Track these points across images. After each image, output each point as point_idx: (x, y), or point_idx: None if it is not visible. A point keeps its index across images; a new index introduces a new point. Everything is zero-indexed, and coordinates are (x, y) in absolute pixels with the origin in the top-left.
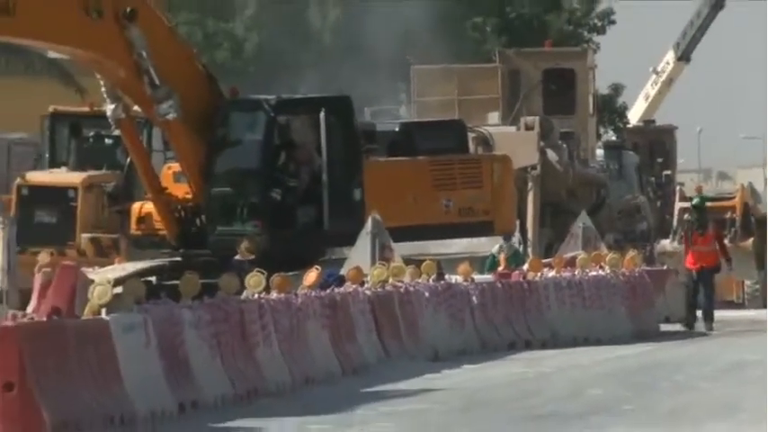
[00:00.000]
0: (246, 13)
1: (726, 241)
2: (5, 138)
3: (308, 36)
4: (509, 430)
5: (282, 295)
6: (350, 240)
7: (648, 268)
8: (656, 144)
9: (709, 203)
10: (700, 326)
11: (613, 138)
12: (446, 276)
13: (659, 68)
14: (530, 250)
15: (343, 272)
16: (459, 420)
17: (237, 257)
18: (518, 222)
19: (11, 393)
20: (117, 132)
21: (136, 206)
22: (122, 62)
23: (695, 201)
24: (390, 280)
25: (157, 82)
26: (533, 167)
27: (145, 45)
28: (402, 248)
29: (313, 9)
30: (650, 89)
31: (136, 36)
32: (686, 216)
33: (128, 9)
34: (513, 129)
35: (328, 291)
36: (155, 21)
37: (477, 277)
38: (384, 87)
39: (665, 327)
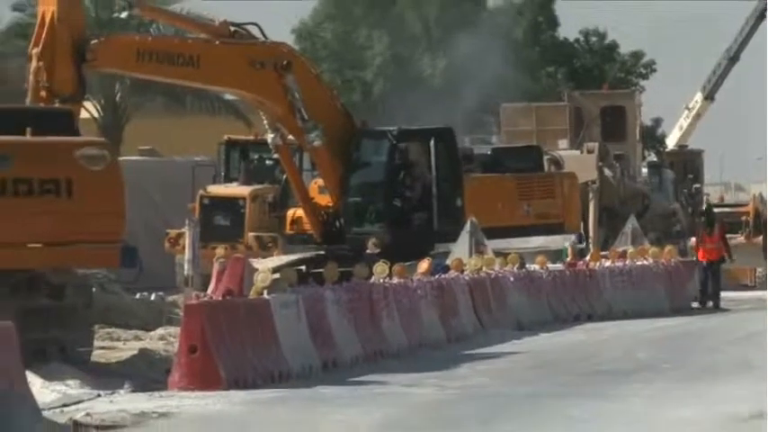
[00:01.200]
0: (375, 64)
1: (741, 238)
2: (191, 160)
3: (422, 80)
4: (575, 382)
5: (401, 280)
6: (453, 238)
7: (682, 259)
8: (687, 164)
9: (728, 209)
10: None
11: (654, 159)
12: (527, 265)
13: (690, 105)
14: (591, 245)
15: (448, 262)
16: (538, 375)
17: (368, 251)
18: (582, 224)
19: (194, 355)
20: (276, 156)
21: (290, 212)
22: (279, 102)
23: (704, 206)
24: (484, 268)
25: (306, 117)
26: (593, 182)
27: (297, 89)
28: (493, 244)
29: (426, 61)
30: (683, 121)
31: (290, 82)
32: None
33: (285, 62)
34: (577, 152)
35: (437, 276)
36: (305, 70)
37: (550, 266)
38: (479, 120)
39: (694, 304)
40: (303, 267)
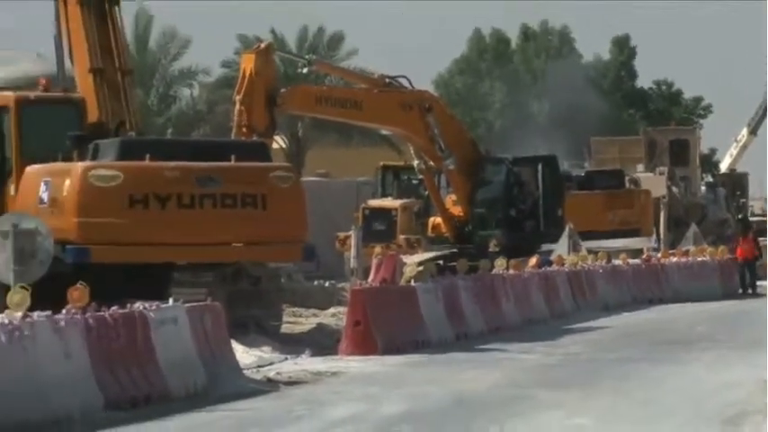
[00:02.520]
0: (495, 107)
1: None
2: (356, 180)
3: (531, 118)
4: (650, 350)
5: (516, 271)
6: (555, 239)
7: (731, 257)
8: (736, 183)
9: (763, 218)
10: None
11: (710, 179)
12: (612, 260)
13: (738, 138)
14: (661, 245)
15: (551, 258)
16: (621, 344)
17: (490, 249)
18: (654, 229)
19: (359, 327)
20: (420, 177)
21: (431, 219)
22: (423, 136)
23: (739, 216)
24: (579, 263)
25: (443, 147)
26: (664, 197)
27: (436, 126)
28: (586, 244)
29: (534, 104)
30: (733, 150)
31: (431, 121)
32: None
33: (427, 105)
34: (651, 174)
35: (543, 269)
36: (442, 111)
37: (630, 261)
38: (575, 150)
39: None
40: (441, 262)
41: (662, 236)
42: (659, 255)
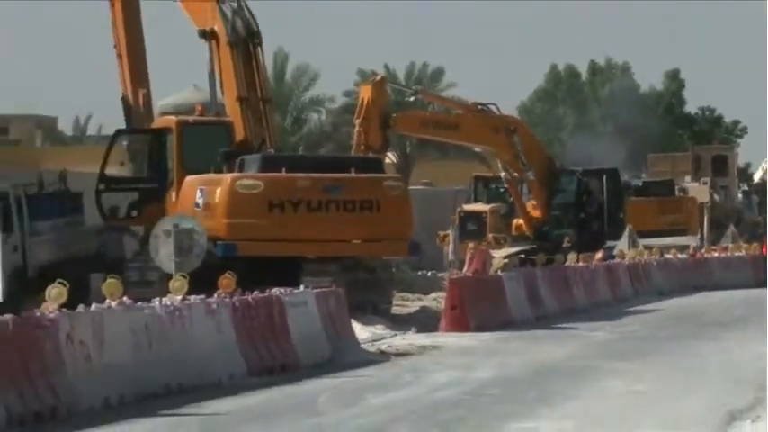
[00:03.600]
0: (568, 129)
1: None
2: (453, 189)
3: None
4: (696, 329)
5: (585, 264)
6: (617, 237)
7: (761, 253)
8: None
9: None
10: None
11: (746, 188)
12: (664, 255)
13: None
14: (705, 243)
15: (614, 252)
16: (672, 324)
17: (564, 245)
18: (699, 229)
19: (455, 310)
20: (506, 186)
21: (515, 221)
22: (508, 153)
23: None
24: (637, 257)
25: (525, 162)
26: (707, 203)
27: (520, 144)
28: (643, 241)
29: (600, 125)
30: (764, 164)
31: (516, 141)
32: None
33: (512, 127)
34: (696, 184)
35: (607, 261)
36: (525, 133)
37: (679, 255)
38: (634, 163)
39: None
40: (522, 256)
41: (705, 235)
42: (703, 250)
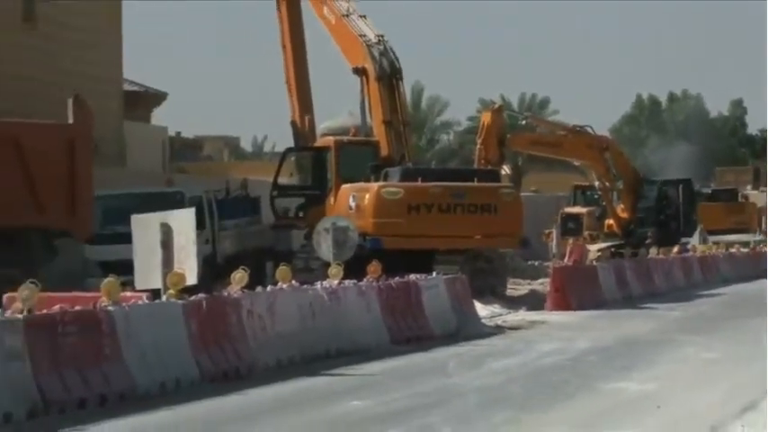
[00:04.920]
0: (650, 146)
1: None
2: (556, 195)
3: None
4: (755, 308)
5: (664, 256)
6: (691, 235)
7: None
8: None
9: None
10: None
11: None
12: (729, 249)
13: None
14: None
15: (688, 247)
16: (735, 305)
17: (647, 242)
18: (758, 228)
19: (558, 293)
20: (599, 192)
21: (606, 221)
22: (601, 167)
23: None
24: (706, 251)
25: (615, 173)
26: (765, 207)
27: (611, 159)
28: (711, 238)
29: (676, 144)
30: None
31: (607, 156)
32: None
33: (605, 145)
34: (756, 192)
35: (682, 255)
36: (615, 150)
37: (742, 249)
38: (705, 175)
39: None
40: (613, 249)
41: (764, 233)
42: (760, 245)
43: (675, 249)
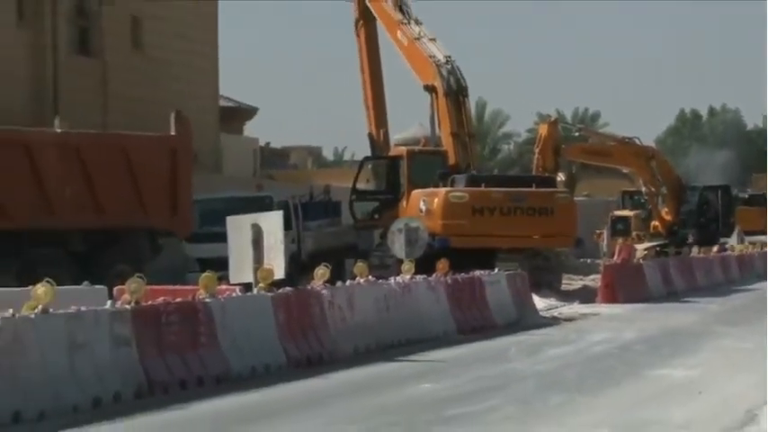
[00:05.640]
0: (691, 155)
1: None
2: (606, 200)
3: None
4: (761, 305)
5: (704, 255)
6: (729, 235)
7: None
8: None
9: None
10: None
11: None
12: (764, 248)
13: None
14: None
15: (727, 246)
16: (750, 304)
17: (688, 242)
18: None
19: (608, 288)
20: (646, 197)
21: (652, 222)
22: (647, 174)
23: None
24: (743, 250)
25: (660, 180)
26: None
27: (656, 167)
28: (749, 238)
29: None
30: None
31: (653, 164)
32: None
33: (650, 154)
34: None
35: (721, 253)
36: (660, 159)
37: None
38: (742, 181)
39: None
40: (658, 248)
41: None
42: None
43: (715, 249)
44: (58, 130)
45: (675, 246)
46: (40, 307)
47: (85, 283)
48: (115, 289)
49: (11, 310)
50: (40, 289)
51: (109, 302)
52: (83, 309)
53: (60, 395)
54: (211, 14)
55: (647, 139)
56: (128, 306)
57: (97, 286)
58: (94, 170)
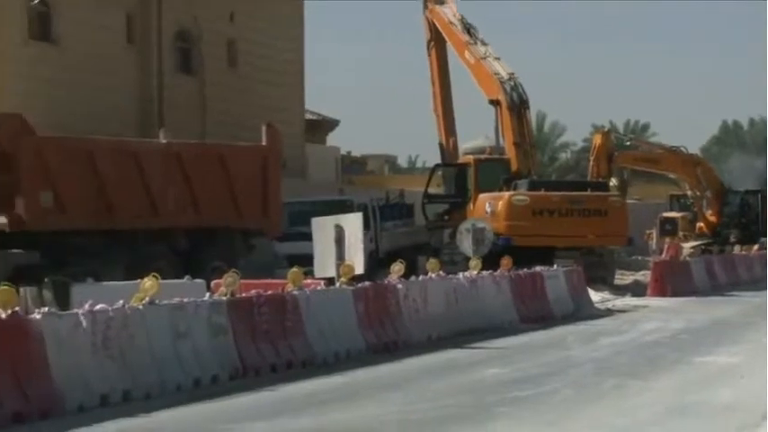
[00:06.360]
0: (732, 162)
1: None
2: (654, 204)
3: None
4: None
5: (746, 252)
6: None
7: None
8: None
9: None
10: None
11: None
12: None
13: None
14: None
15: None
16: None
17: (731, 241)
18: None
19: (657, 282)
20: (692, 200)
21: (698, 223)
22: (693, 179)
23: None
24: None
25: (705, 186)
26: None
27: (701, 174)
28: None
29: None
30: None
31: (699, 171)
32: None
33: (696, 162)
34: None
35: (761, 251)
36: (705, 166)
37: None
38: None
39: None
40: (703, 247)
41: None
42: None
43: (756, 247)
44: (163, 141)
45: (719, 244)
46: (147, 298)
47: (187, 277)
48: (213, 283)
49: (121, 302)
50: (148, 282)
51: (207, 295)
52: (185, 300)
53: (165, 377)
54: (298, 37)
55: (693, 147)
56: (224, 298)
57: (197, 280)
58: (195, 176)
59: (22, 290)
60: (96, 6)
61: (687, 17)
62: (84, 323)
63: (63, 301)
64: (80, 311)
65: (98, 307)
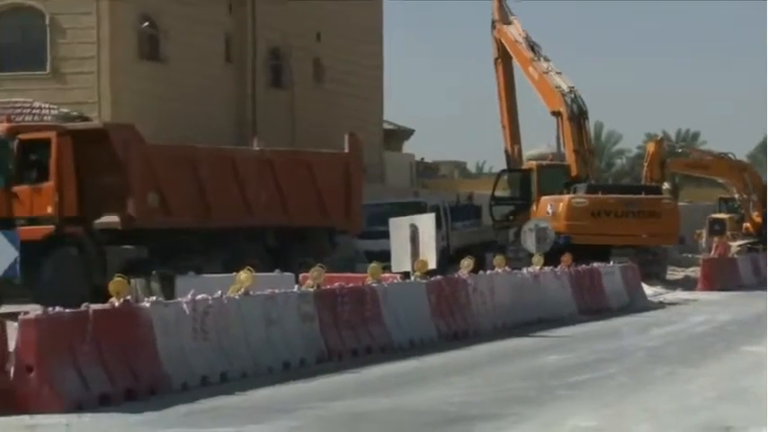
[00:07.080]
0: None
1: None
2: (703, 205)
3: None
4: None
5: None
6: None
7: None
8: None
9: None
10: None
11: None
12: None
13: None
14: None
15: None
16: None
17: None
18: None
19: (707, 278)
20: (739, 203)
21: (745, 224)
22: (740, 184)
23: None
24: None
25: (750, 190)
26: None
27: (748, 178)
28: None
29: None
30: None
31: (746, 176)
32: None
33: (743, 167)
34: None
35: None
36: (751, 171)
37: None
38: None
39: None
40: (749, 246)
41: None
42: None
43: None
44: (257, 148)
45: (764, 243)
46: (242, 290)
47: (277, 270)
48: (300, 276)
49: (219, 292)
50: (243, 275)
51: (296, 287)
52: (276, 291)
53: (258, 360)
54: (377, 53)
55: (741, 154)
56: (311, 289)
57: (286, 273)
58: (285, 180)
59: (132, 281)
60: (199, 29)
61: (735, 31)
62: (187, 311)
63: (168, 292)
64: (183, 301)
65: (199, 297)
